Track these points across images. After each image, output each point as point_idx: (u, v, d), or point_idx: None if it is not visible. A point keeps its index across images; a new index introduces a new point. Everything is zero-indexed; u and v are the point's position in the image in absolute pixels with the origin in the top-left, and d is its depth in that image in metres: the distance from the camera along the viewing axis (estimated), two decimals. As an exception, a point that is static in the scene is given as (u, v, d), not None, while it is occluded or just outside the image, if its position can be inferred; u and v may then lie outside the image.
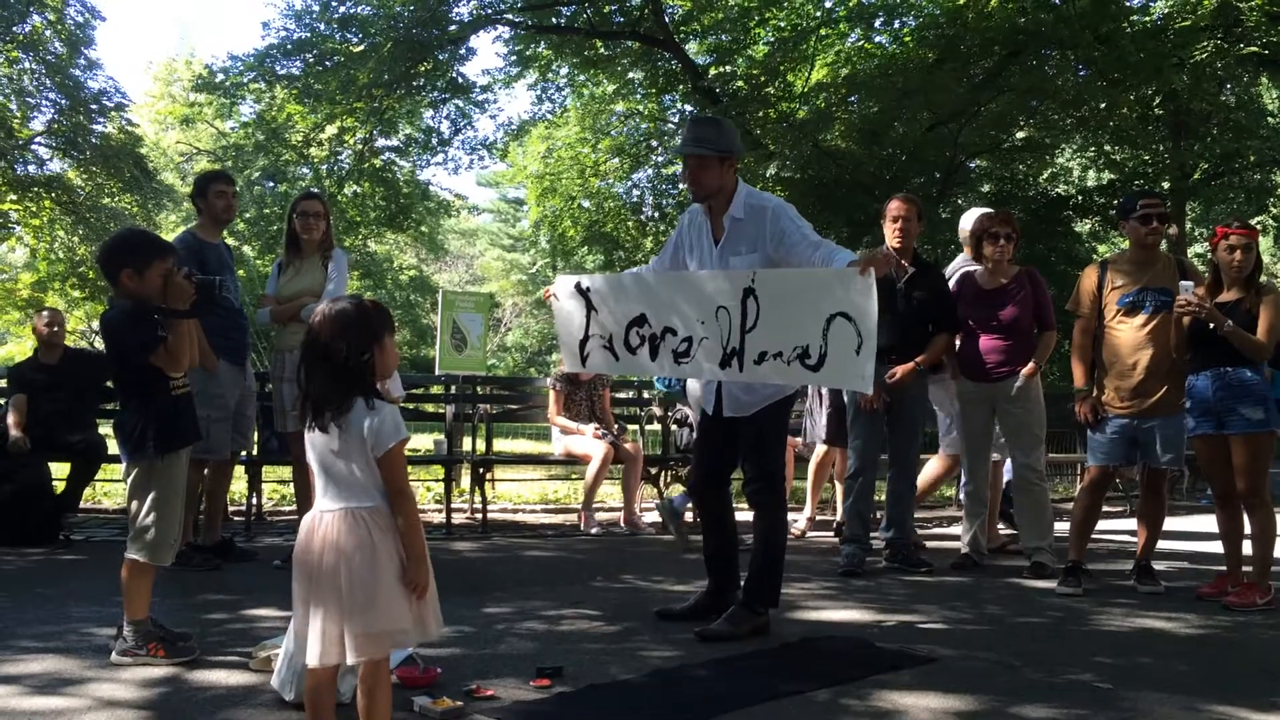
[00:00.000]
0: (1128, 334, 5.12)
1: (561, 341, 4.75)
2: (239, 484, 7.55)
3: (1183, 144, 15.76)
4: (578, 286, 4.58)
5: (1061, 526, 6.05)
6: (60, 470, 6.68)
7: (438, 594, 2.66)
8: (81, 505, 6.94)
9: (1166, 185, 15.75)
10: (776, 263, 4.12)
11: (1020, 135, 16.25)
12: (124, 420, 3.70)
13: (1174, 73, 12.41)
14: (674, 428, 8.22)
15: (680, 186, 20.55)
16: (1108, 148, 17.20)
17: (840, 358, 3.83)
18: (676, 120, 18.95)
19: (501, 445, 10.48)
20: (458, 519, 7.56)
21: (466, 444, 8.05)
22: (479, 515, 7.54)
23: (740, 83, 16.01)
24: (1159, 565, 5.54)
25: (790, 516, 7.35)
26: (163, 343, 3.57)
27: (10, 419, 6.29)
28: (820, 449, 7.16)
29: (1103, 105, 14.17)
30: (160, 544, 3.58)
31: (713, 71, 16.42)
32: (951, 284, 6.05)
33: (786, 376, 4.04)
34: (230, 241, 23.98)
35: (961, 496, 6.58)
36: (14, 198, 18.99)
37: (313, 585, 2.55)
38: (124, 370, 3.75)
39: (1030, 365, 5.77)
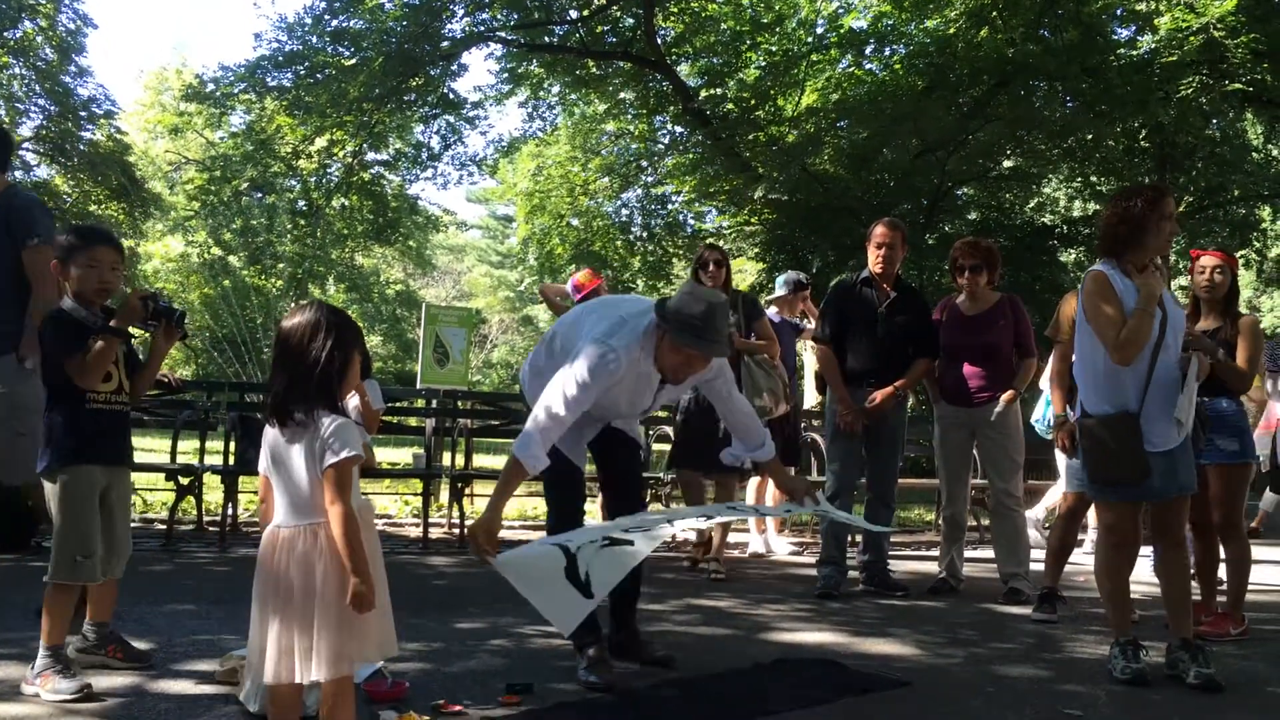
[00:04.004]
0: (1106, 362, 5.13)
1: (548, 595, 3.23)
2: (214, 494, 7.50)
3: (1168, 176, 15.87)
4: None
5: (1039, 554, 6.05)
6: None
7: (396, 610, 2.63)
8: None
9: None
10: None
11: (1007, 164, 16.36)
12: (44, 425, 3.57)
13: (1160, 106, 12.52)
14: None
15: (669, 207, 20.64)
16: (1094, 178, 17.36)
17: None
18: (667, 141, 19.02)
19: (483, 462, 10.43)
20: (435, 533, 7.52)
21: (446, 459, 8.01)
22: (456, 530, 7.50)
23: (731, 105, 16.09)
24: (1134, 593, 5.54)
25: (754, 537, 7.40)
26: (81, 352, 3.39)
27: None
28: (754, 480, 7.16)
29: (1089, 136, 14.30)
30: (59, 561, 3.39)
31: (704, 93, 16.49)
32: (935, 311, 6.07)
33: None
34: (216, 252, 23.84)
35: (940, 521, 6.59)
36: (0, 202, 18.90)
37: (272, 600, 2.52)
38: (45, 371, 3.59)
39: (1010, 392, 5.79)
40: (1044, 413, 6.74)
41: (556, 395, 3.42)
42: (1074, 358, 4.30)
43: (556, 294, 7.29)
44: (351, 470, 2.55)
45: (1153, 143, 15.47)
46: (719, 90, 16.61)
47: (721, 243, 18.40)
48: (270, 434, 2.60)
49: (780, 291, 7.29)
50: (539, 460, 3.35)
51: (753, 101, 15.82)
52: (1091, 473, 4.05)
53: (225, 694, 3.31)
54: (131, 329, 3.63)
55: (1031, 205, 18.84)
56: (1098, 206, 17.88)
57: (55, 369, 3.46)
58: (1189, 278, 5.22)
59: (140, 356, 3.79)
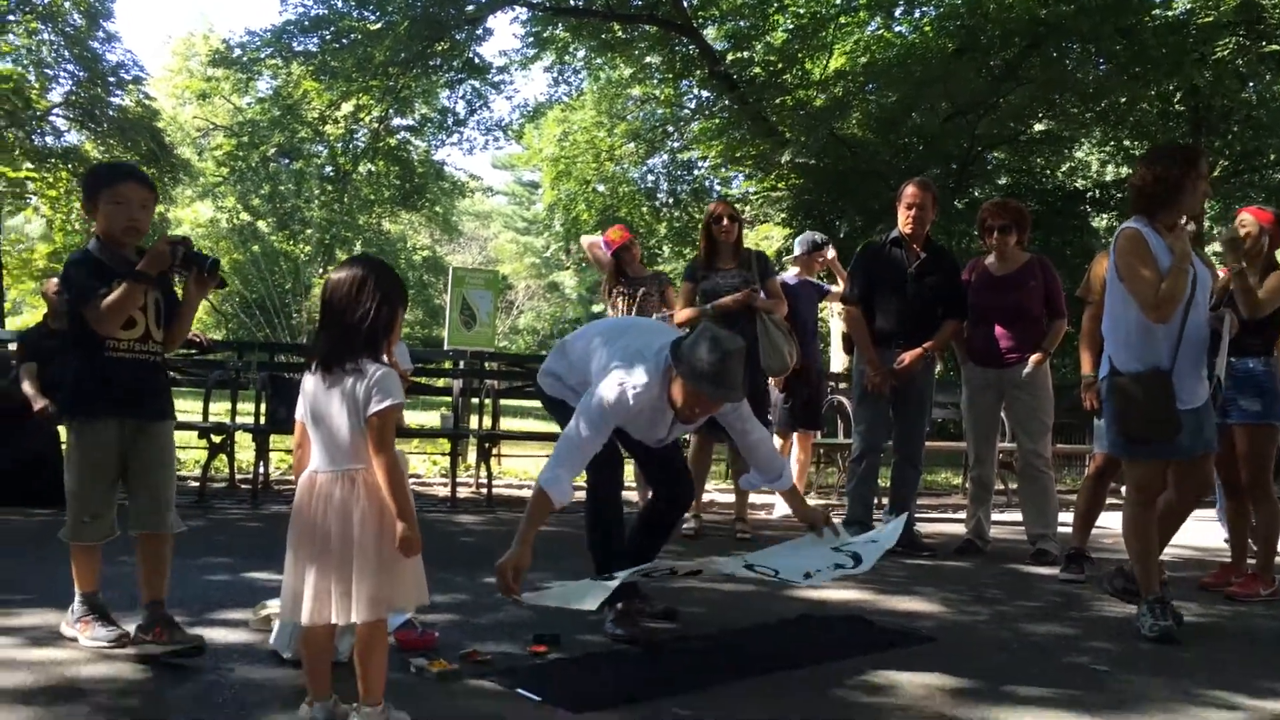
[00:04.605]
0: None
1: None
2: (246, 453, 7.59)
3: (1203, 140, 15.63)
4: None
5: (1066, 518, 6.03)
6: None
7: (426, 565, 2.65)
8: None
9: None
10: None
11: (1039, 128, 16.18)
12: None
13: (1195, 68, 12.33)
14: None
15: (695, 173, 20.55)
16: (1127, 142, 17.11)
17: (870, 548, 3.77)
18: (693, 106, 18.89)
19: (510, 426, 10.49)
20: (463, 493, 7.58)
21: (474, 421, 8.06)
22: (484, 490, 7.56)
23: (758, 69, 15.95)
24: (1164, 555, 5.52)
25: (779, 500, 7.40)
26: (98, 295, 3.16)
27: (27, 388, 6.31)
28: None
29: (1123, 99, 14.11)
30: (69, 520, 3.29)
31: (730, 57, 16.35)
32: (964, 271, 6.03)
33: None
34: (245, 217, 24.01)
35: (967, 483, 6.58)
36: (30, 166, 19.07)
37: (309, 545, 2.55)
38: (67, 316, 3.37)
39: (1039, 353, 5.75)
40: None
41: (576, 429, 3.47)
42: (1104, 317, 4.26)
43: (596, 247, 7.25)
44: (395, 419, 2.58)
45: (1188, 105, 15.23)
46: (746, 54, 16.46)
47: (747, 209, 18.33)
48: (310, 382, 2.63)
49: (798, 251, 7.25)
50: (565, 494, 3.38)
51: (780, 65, 15.67)
52: (1122, 431, 4.02)
53: (259, 641, 3.37)
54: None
55: (1063, 170, 18.62)
56: (1130, 171, 17.64)
57: (74, 314, 3.26)
58: (1220, 240, 5.15)
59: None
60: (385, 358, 2.63)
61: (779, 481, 3.92)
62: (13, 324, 22.35)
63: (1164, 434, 3.90)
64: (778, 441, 7.18)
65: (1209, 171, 4.10)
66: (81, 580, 3.30)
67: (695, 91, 18.53)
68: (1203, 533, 6.96)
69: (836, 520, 4.01)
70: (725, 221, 6.09)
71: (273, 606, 3.45)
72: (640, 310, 6.51)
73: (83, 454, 3.27)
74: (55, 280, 6.85)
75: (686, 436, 6.22)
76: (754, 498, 6.97)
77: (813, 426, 7.23)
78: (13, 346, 7.06)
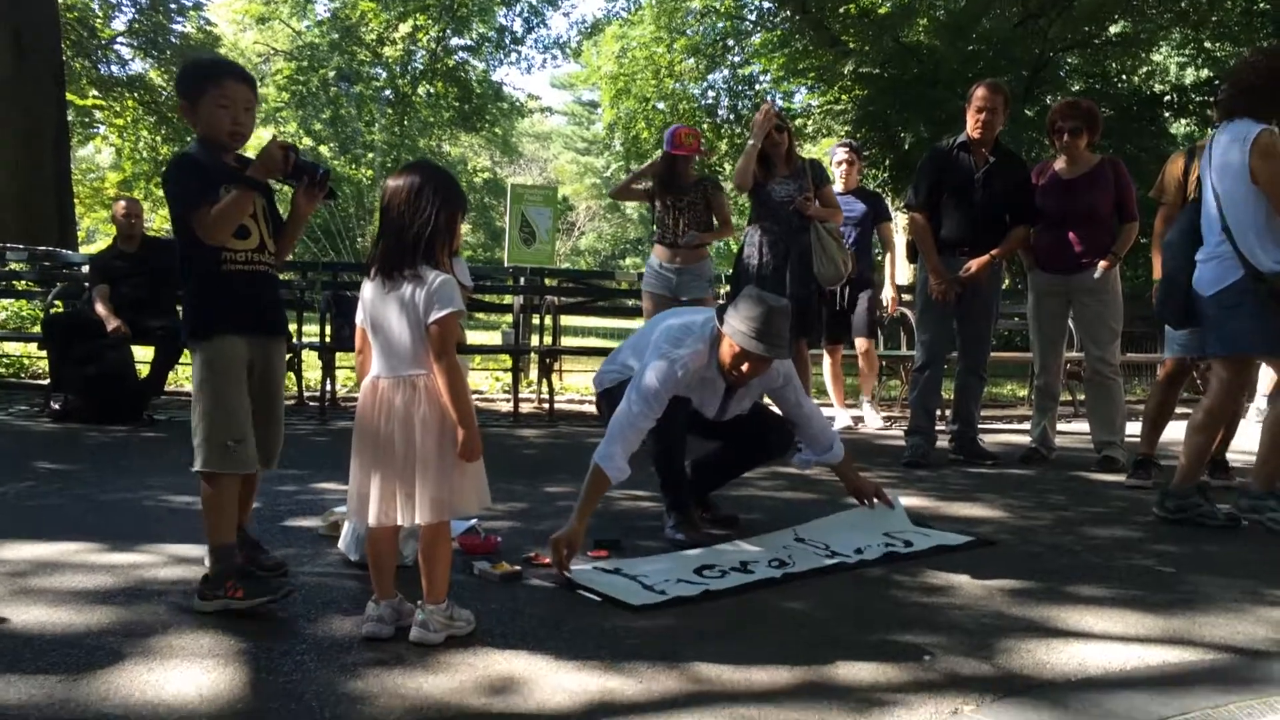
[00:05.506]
0: (1212, 222, 4.92)
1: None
2: (313, 371, 7.75)
3: (1288, 38, 14.92)
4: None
5: (1134, 428, 5.92)
6: (146, 354, 6.91)
7: (489, 475, 2.68)
8: (166, 389, 7.19)
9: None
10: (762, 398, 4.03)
11: (1114, 30, 15.54)
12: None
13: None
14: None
15: (757, 88, 20.15)
16: (1208, 44, 16.39)
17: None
18: (754, 18, 18.48)
19: (570, 342, 10.54)
20: (525, 408, 7.66)
21: (535, 339, 8.11)
22: (545, 405, 7.64)
23: (821, -24, 15.52)
24: (1235, 460, 5.42)
25: (838, 412, 7.37)
26: (207, 202, 2.83)
27: (100, 309, 6.48)
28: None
29: (1204, -3, 13.47)
30: (205, 445, 2.86)
31: (792, -36, 15.93)
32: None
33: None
34: (307, 142, 24.12)
35: (1033, 393, 6.48)
36: (97, 94, 19.34)
37: (372, 449, 2.60)
38: (175, 230, 2.99)
39: (1109, 257, 5.59)
40: None
41: (627, 406, 3.50)
42: (1217, 219, 4.10)
43: (630, 186, 7.00)
44: (455, 325, 2.59)
45: (1272, 3, 14.49)
46: (808, -41, 16.01)
47: (810, 123, 17.98)
48: (368, 288, 2.64)
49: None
50: (621, 471, 3.40)
51: (843, -29, 15.21)
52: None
53: (328, 546, 3.46)
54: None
55: (1140, 74, 17.93)
56: (1211, 74, 16.93)
57: (182, 224, 2.90)
58: None
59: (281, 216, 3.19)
60: (444, 264, 2.63)
61: (830, 453, 3.89)
62: (87, 252, 22.89)
63: None
64: (828, 361, 7.24)
65: None
66: (221, 528, 2.88)
67: (756, 2, 18.11)
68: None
69: (892, 496, 4.03)
70: (774, 134, 5.99)
71: (340, 513, 3.55)
72: (690, 222, 6.43)
73: (218, 371, 2.91)
74: (123, 203, 6.99)
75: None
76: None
77: (870, 335, 7.25)
78: (85, 269, 7.24)
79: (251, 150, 3.07)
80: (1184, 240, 4.37)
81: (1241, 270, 4.01)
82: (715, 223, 6.56)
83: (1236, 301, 4.06)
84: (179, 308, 6.71)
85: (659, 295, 6.51)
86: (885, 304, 7.02)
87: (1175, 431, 5.42)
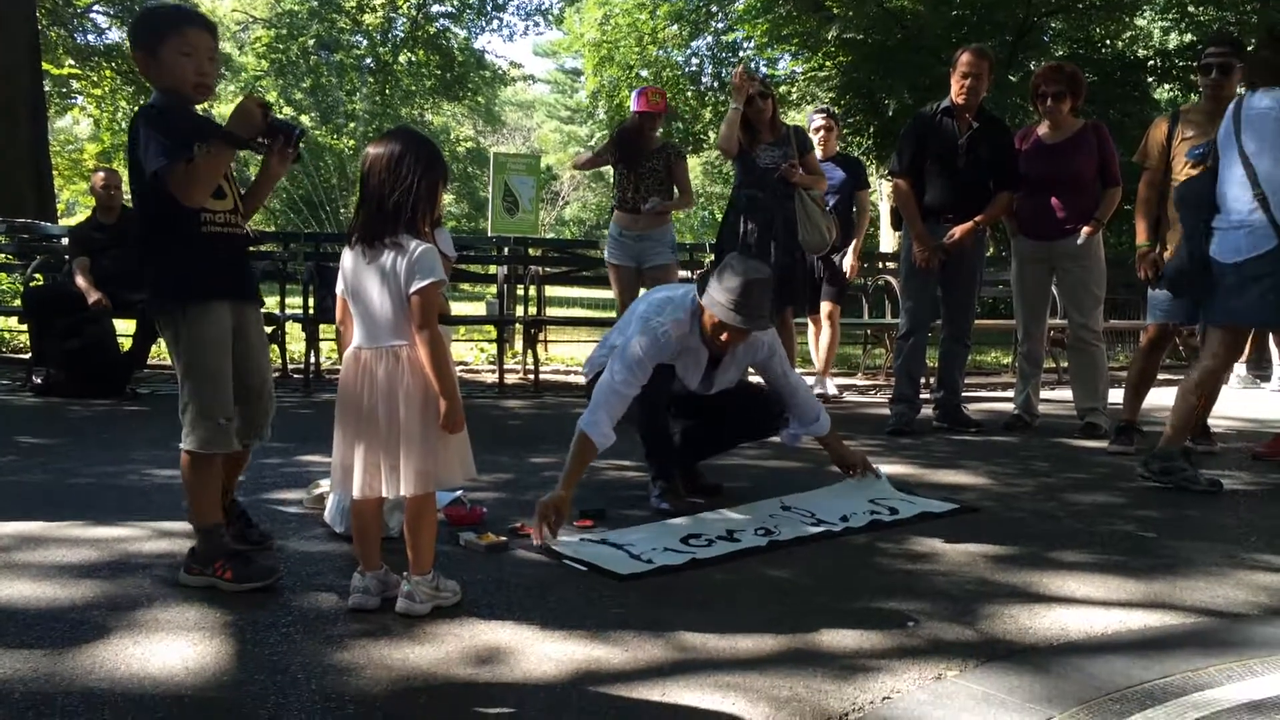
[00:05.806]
0: (1195, 188, 4.92)
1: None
2: (297, 344, 7.71)
3: (1271, 3, 14.88)
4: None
5: (1117, 395, 5.96)
6: (127, 327, 6.86)
7: (474, 447, 2.67)
8: (149, 363, 7.15)
9: (1252, 48, 14.95)
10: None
11: (1098, -6, 15.49)
12: (145, 264, 2.82)
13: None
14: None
15: (740, 54, 20.03)
16: (1191, 8, 16.35)
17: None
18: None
19: (555, 313, 10.52)
20: (510, 379, 7.65)
21: (519, 309, 8.09)
22: (531, 375, 7.63)
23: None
24: (1215, 427, 5.47)
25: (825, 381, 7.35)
26: (184, 159, 2.63)
27: (80, 282, 6.42)
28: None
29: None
30: (197, 423, 2.75)
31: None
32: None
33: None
34: (288, 112, 23.92)
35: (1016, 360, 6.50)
36: (73, 63, 19.07)
37: (355, 421, 2.58)
38: (141, 191, 2.76)
39: (1092, 223, 5.60)
40: None
41: (611, 374, 3.53)
42: (1249, 185, 4.08)
43: (594, 159, 7.00)
44: (437, 295, 2.57)
45: (1258, -33, 14.46)
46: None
47: (794, 90, 17.89)
48: (348, 257, 2.62)
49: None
50: (606, 437, 3.42)
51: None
52: None
53: (313, 518, 3.46)
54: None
55: (1124, 39, 17.88)
56: (1194, 38, 16.90)
57: (154, 184, 2.67)
58: None
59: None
60: (425, 233, 2.61)
61: (816, 425, 3.91)
62: (66, 224, 22.68)
63: None
64: (813, 330, 7.19)
65: None
66: (207, 508, 2.80)
67: (739, -32, 17.98)
68: (1258, 404, 6.88)
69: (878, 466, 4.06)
70: (759, 102, 5.97)
71: (325, 486, 3.55)
72: (651, 189, 6.40)
73: (208, 344, 2.77)
74: (102, 174, 6.91)
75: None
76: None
77: (836, 300, 7.16)
78: (64, 242, 7.17)
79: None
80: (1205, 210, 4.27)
81: (1275, 240, 3.98)
82: (675, 191, 6.52)
83: (1263, 272, 4.01)
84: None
85: (623, 266, 6.51)
86: (845, 271, 6.95)
87: (1157, 398, 5.48)
